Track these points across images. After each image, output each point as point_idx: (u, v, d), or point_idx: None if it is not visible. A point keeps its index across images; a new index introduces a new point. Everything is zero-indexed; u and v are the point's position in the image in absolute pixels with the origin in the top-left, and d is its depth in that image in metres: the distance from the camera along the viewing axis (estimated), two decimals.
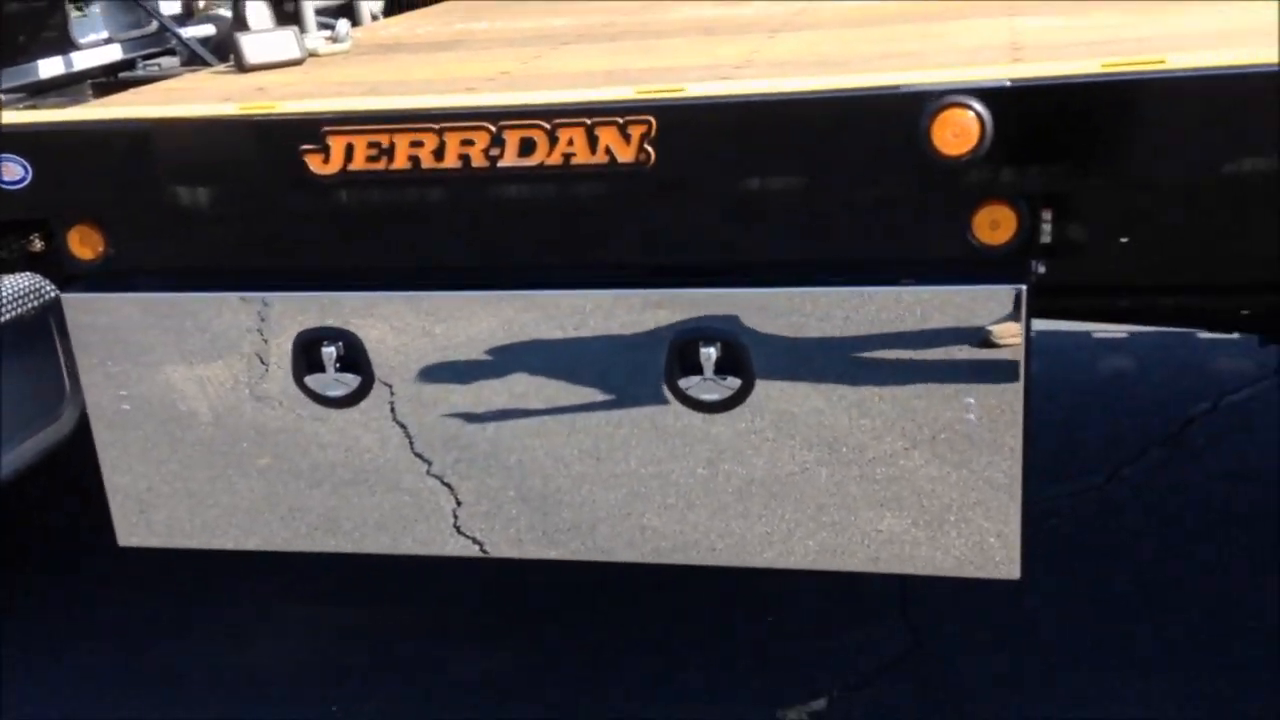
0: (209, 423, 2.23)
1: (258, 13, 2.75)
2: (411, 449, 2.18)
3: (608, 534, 2.19)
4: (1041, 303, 2.60)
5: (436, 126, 1.86)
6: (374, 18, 3.28)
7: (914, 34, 2.41)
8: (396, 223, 1.98)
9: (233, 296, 2.13)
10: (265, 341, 2.11)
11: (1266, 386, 3.86)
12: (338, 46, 2.64)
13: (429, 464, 2.20)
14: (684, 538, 2.18)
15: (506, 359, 2.08)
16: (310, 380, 2.14)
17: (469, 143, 1.85)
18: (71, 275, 2.25)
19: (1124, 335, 4.29)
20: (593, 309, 2.03)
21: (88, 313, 2.23)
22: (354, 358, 2.12)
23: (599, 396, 2.04)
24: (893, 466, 2.04)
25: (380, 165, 1.88)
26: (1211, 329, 2.90)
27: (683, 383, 2.08)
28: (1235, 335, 3.19)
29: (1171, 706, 2.55)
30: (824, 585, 2.94)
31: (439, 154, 1.86)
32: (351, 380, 2.13)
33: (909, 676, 2.72)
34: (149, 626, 3.08)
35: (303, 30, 2.83)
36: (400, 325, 2.05)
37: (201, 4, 3.06)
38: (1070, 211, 2.40)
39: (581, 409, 2.06)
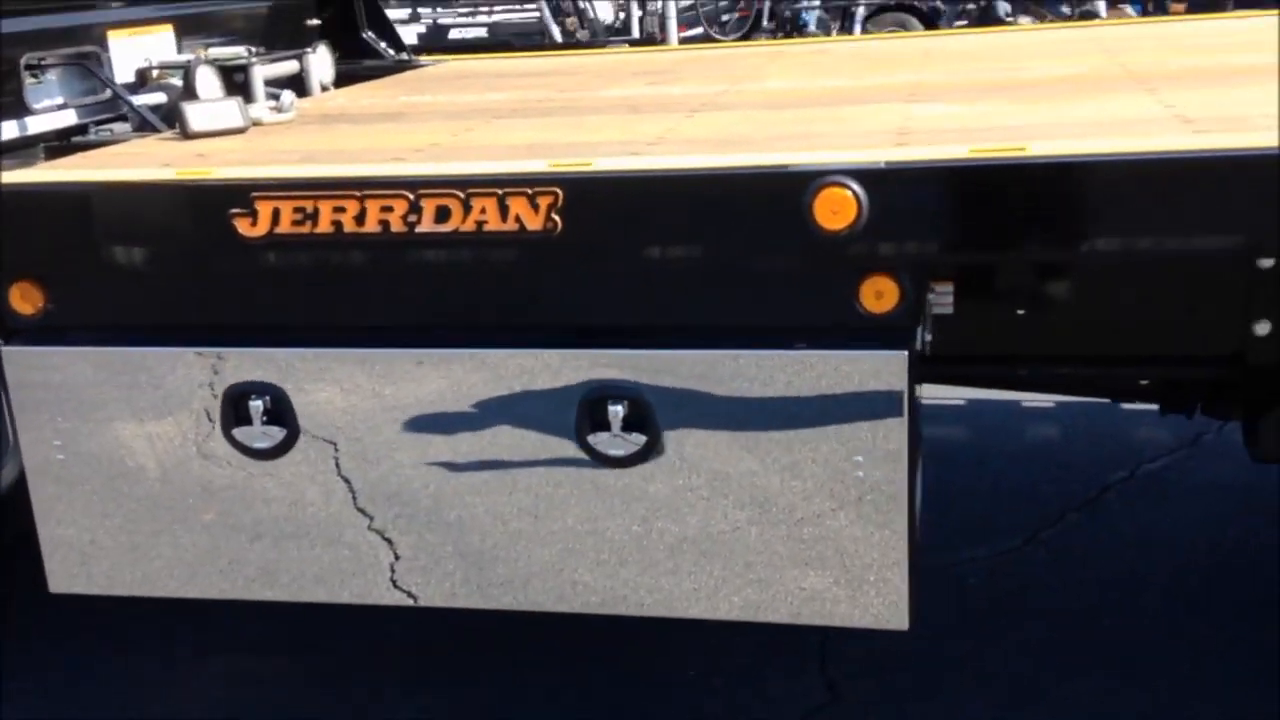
0: (147, 474, 2.32)
1: (207, 82, 2.89)
2: (330, 502, 2.28)
3: (539, 586, 2.29)
4: (945, 369, 2.78)
5: (358, 193, 1.99)
6: (324, 89, 3.43)
7: (821, 117, 2.58)
8: (321, 283, 2.10)
9: (166, 351, 2.24)
10: (195, 395, 2.21)
11: (1182, 456, 4.01)
12: (282, 116, 2.78)
13: (355, 516, 2.30)
14: (612, 591, 2.28)
15: (425, 415, 2.19)
16: (237, 432, 2.25)
17: (388, 209, 1.98)
18: (12, 330, 2.35)
19: (1051, 405, 4.45)
20: (507, 368, 2.15)
21: (26, 366, 2.33)
22: (280, 411, 2.23)
23: (501, 449, 2.16)
24: (788, 519, 2.16)
25: (305, 229, 2.00)
26: (1114, 398, 3.05)
27: (591, 438, 2.20)
28: (1155, 406, 3.36)
29: None
30: (750, 640, 3.05)
31: (360, 219, 1.99)
32: (277, 433, 2.23)
33: None
34: (55, 673, 3.13)
35: (251, 100, 2.98)
36: (324, 380, 2.16)
37: (155, 73, 3.20)
38: (968, 284, 2.58)
39: (486, 462, 2.17)
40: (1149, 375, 2.75)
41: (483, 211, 1.96)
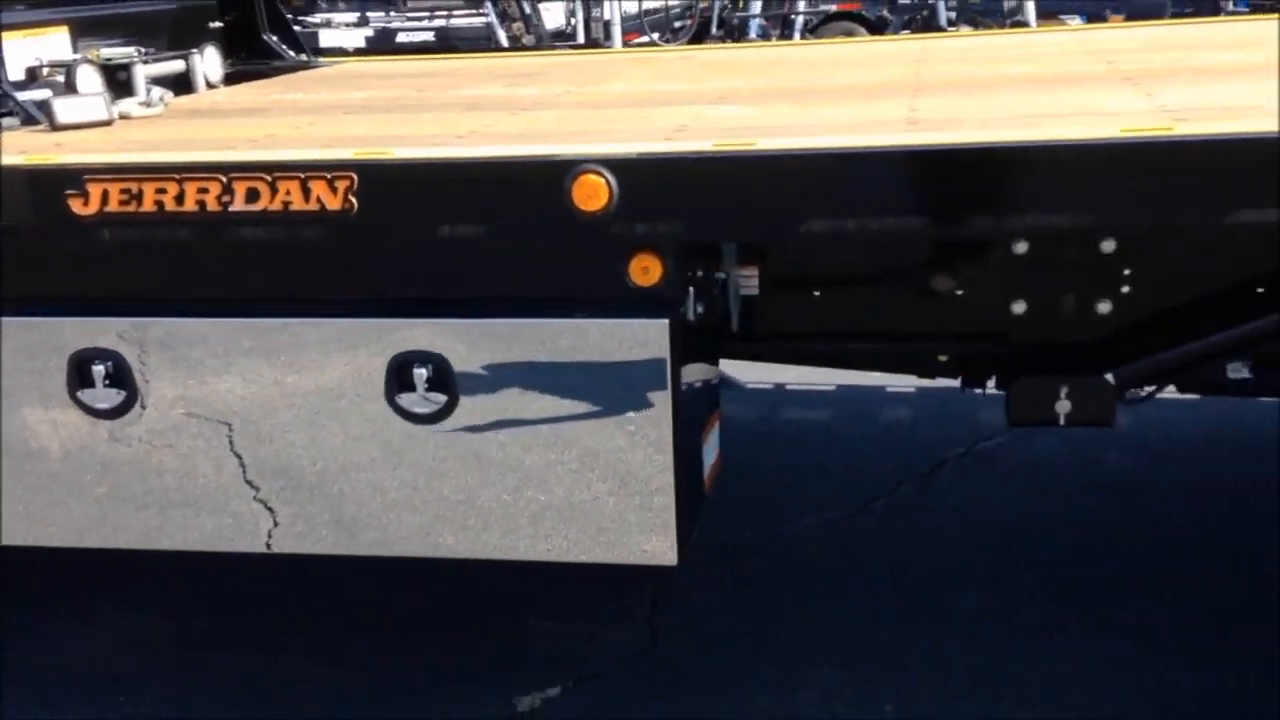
0: (23, 439, 2.56)
1: (87, 79, 3.15)
2: (172, 454, 2.54)
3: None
4: (754, 347, 3.07)
5: (178, 176, 2.26)
6: (210, 87, 3.69)
7: (626, 116, 2.89)
8: (150, 257, 2.37)
9: (14, 320, 2.49)
10: (40, 360, 2.47)
11: (1017, 435, 4.31)
12: (150, 110, 3.05)
13: (188, 464, 2.56)
14: (426, 537, 2.54)
15: (248, 377, 2.46)
16: (82, 394, 2.51)
17: (204, 190, 2.25)
18: None
19: (911, 390, 4.75)
20: (319, 336, 2.43)
21: None
22: (120, 375, 2.49)
23: (314, 408, 2.43)
24: (570, 469, 2.44)
25: (132, 208, 2.27)
26: (921, 375, 3.32)
27: (400, 398, 2.48)
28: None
29: (889, 697, 2.93)
30: (581, 593, 3.34)
31: (180, 199, 2.26)
32: (117, 395, 2.49)
33: (642, 670, 3.09)
34: None
35: (133, 95, 3.24)
36: (154, 345, 2.42)
37: (45, 71, 3.45)
38: (770, 268, 2.87)
39: (303, 418, 2.44)
40: (929, 351, 3.03)
41: (288, 193, 2.23)
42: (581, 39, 11.37)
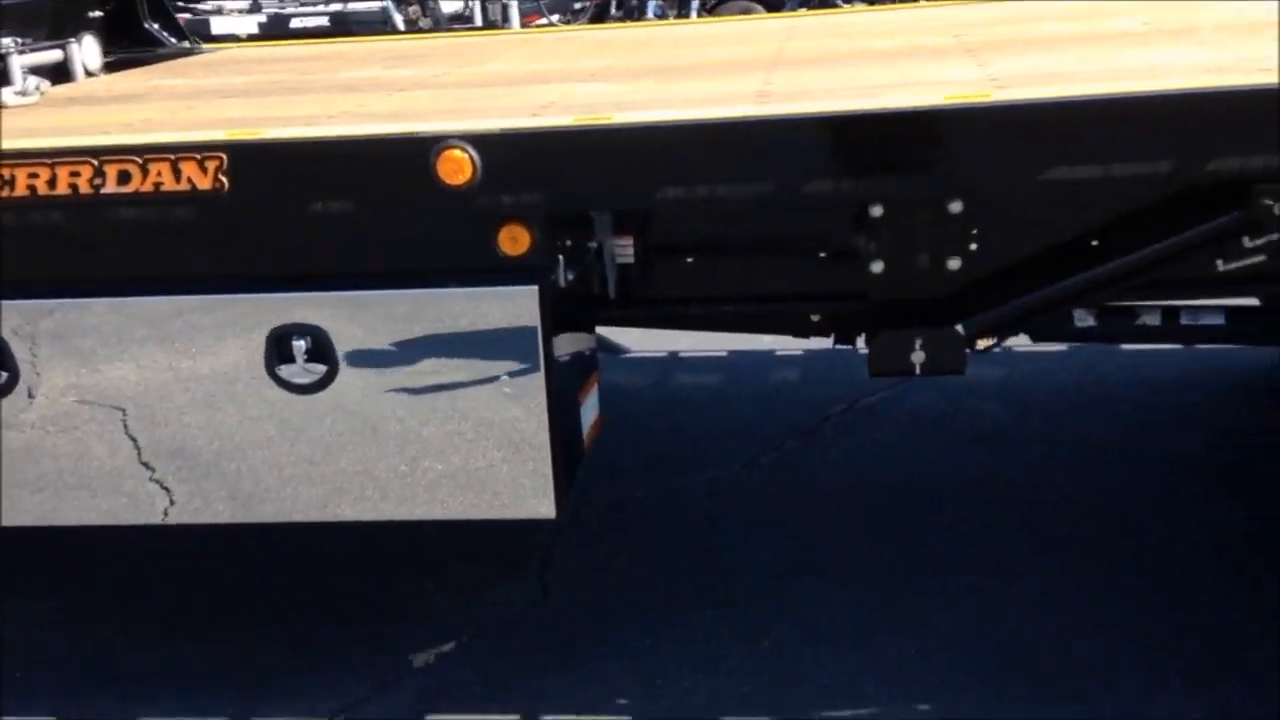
0: None
1: None
2: (56, 429, 2.60)
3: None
4: (631, 313, 3.20)
5: (49, 161, 2.31)
6: (90, 74, 3.70)
7: (499, 94, 3.00)
8: (26, 241, 2.41)
9: None
10: None
11: (897, 391, 4.54)
12: (25, 99, 3.07)
13: (69, 442, 2.62)
14: (314, 501, 2.63)
15: (130, 353, 2.52)
16: None
17: (76, 174, 2.31)
18: None
19: (799, 352, 4.94)
20: (200, 313, 2.50)
21: None
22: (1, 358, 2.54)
23: (200, 381, 2.50)
24: (448, 432, 2.55)
25: (3, 193, 2.32)
26: (794, 334, 3.49)
27: (280, 370, 2.56)
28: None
29: (765, 636, 3.09)
30: (474, 554, 3.47)
31: (52, 183, 2.31)
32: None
33: (533, 623, 3.23)
34: None
35: (8, 84, 3.25)
36: (33, 326, 2.47)
37: None
38: (643, 236, 3.00)
39: (190, 391, 2.52)
40: (799, 312, 3.19)
41: (159, 175, 2.30)
42: (479, 22, 11.38)
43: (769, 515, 3.70)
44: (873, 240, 2.97)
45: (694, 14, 12.31)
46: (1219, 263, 2.79)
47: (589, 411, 2.87)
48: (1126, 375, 4.52)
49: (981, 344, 3.05)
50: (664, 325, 3.36)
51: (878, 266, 3.00)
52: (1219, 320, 3.26)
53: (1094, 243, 3.01)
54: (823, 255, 3.11)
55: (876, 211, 2.92)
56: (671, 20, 11.23)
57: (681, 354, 4.99)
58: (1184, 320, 3.28)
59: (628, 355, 4.92)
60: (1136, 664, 2.87)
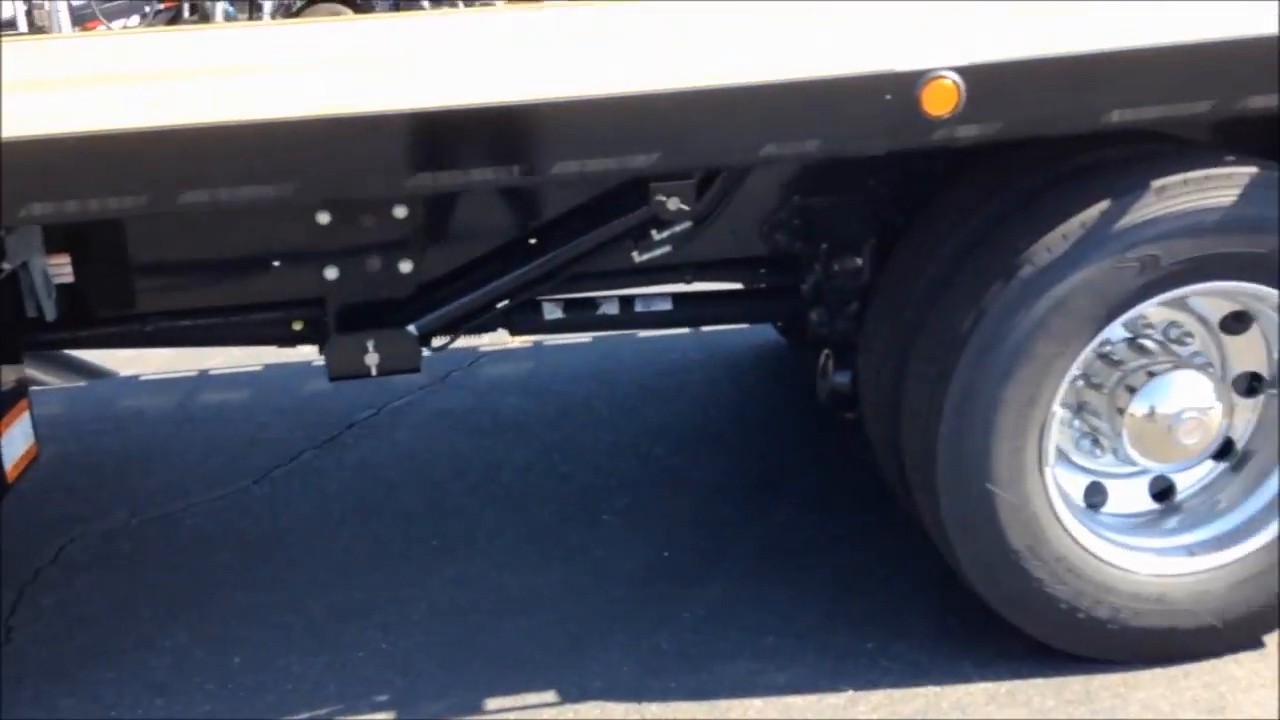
0: None
1: None
2: None
3: None
4: (70, 336, 3.08)
5: None
6: None
7: None
8: None
9: None
10: None
11: (428, 391, 4.66)
12: None
13: None
14: None
15: None
16: None
17: None
18: None
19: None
20: None
21: None
22: None
23: None
24: None
25: None
26: (278, 344, 3.49)
27: None
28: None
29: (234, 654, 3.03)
30: None
31: None
32: None
33: None
34: None
35: None
36: None
37: None
38: (81, 254, 2.90)
39: None
40: (259, 322, 3.20)
41: None
42: (24, 27, 10.44)
43: (269, 529, 3.65)
44: (323, 247, 3.05)
45: (266, 16, 11.97)
46: (635, 255, 3.12)
47: (14, 442, 2.73)
48: (640, 360, 4.91)
49: (437, 342, 3.21)
50: (125, 344, 3.25)
51: (332, 272, 3.09)
52: (667, 306, 3.63)
53: (532, 241, 3.27)
54: (277, 264, 3.16)
55: (324, 219, 3.01)
56: (244, 22, 10.83)
57: (213, 371, 4.86)
58: (639, 308, 3.63)
59: (146, 377, 4.72)
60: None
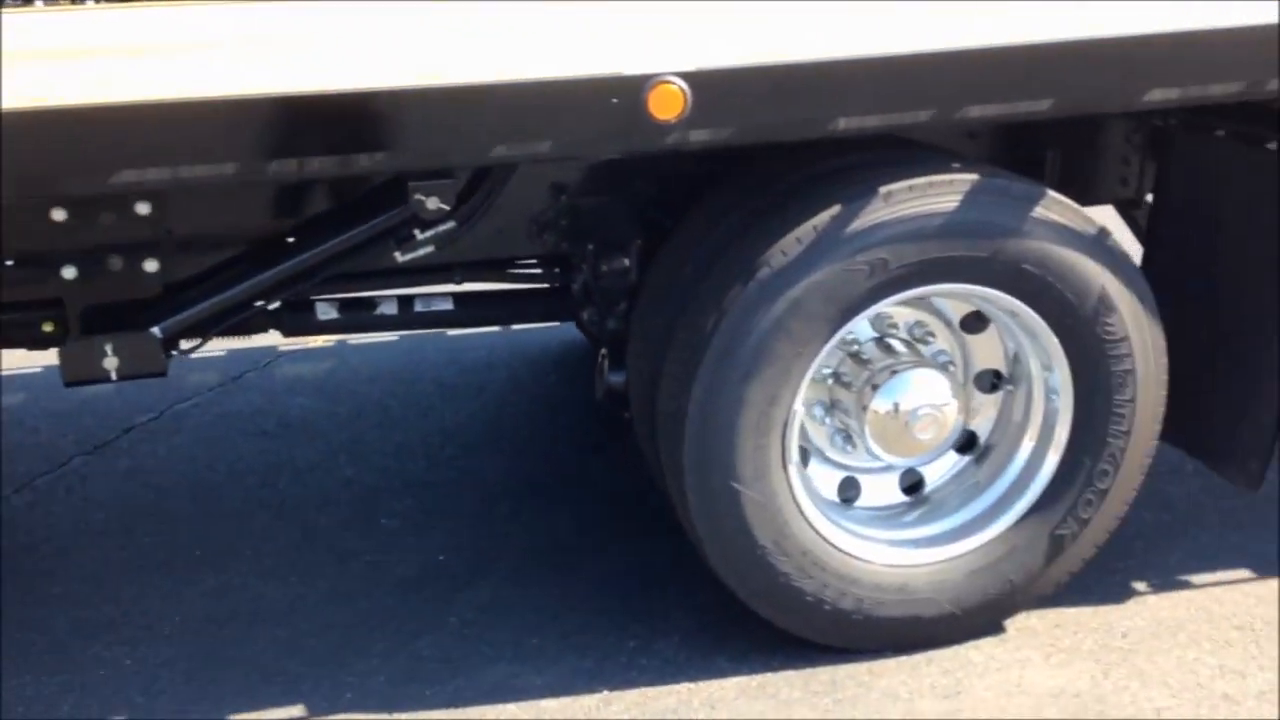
0: None
1: None
2: None
3: None
4: None
5: None
6: None
7: None
8: None
9: None
10: None
11: (219, 393, 4.51)
12: None
13: None
14: None
15: None
16: None
17: None
18: None
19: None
20: None
21: None
22: None
23: None
24: None
25: None
26: (28, 347, 3.30)
27: None
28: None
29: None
30: None
31: None
32: None
33: None
34: None
35: None
36: None
37: None
38: None
39: None
40: (8, 323, 3.00)
41: None
42: None
43: (24, 540, 3.45)
44: (60, 246, 2.90)
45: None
46: (398, 255, 3.06)
47: None
48: (445, 358, 4.84)
49: (185, 344, 3.09)
50: None
51: (69, 272, 2.94)
52: (448, 306, 3.58)
53: (290, 240, 3.18)
54: (10, 263, 3.00)
55: (59, 215, 2.86)
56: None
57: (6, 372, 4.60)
58: (418, 308, 3.57)
59: None
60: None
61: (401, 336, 4.99)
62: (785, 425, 2.70)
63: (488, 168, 2.86)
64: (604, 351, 3.29)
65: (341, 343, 4.99)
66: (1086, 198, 3.27)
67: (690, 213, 3.05)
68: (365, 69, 2.69)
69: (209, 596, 3.18)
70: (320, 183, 3.07)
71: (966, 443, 3.02)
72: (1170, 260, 3.03)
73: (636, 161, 3.09)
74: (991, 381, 3.01)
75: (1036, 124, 2.99)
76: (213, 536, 3.48)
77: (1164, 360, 2.76)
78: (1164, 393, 2.78)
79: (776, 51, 2.46)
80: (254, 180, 2.42)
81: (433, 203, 2.86)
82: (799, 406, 2.72)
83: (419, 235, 2.98)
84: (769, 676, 2.84)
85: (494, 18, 3.37)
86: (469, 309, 3.58)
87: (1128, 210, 3.56)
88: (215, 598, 3.18)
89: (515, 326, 5.00)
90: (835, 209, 2.56)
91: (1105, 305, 2.65)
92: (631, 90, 2.30)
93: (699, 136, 2.40)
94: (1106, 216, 3.23)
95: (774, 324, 2.59)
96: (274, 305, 3.38)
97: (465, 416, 4.27)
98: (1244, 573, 3.14)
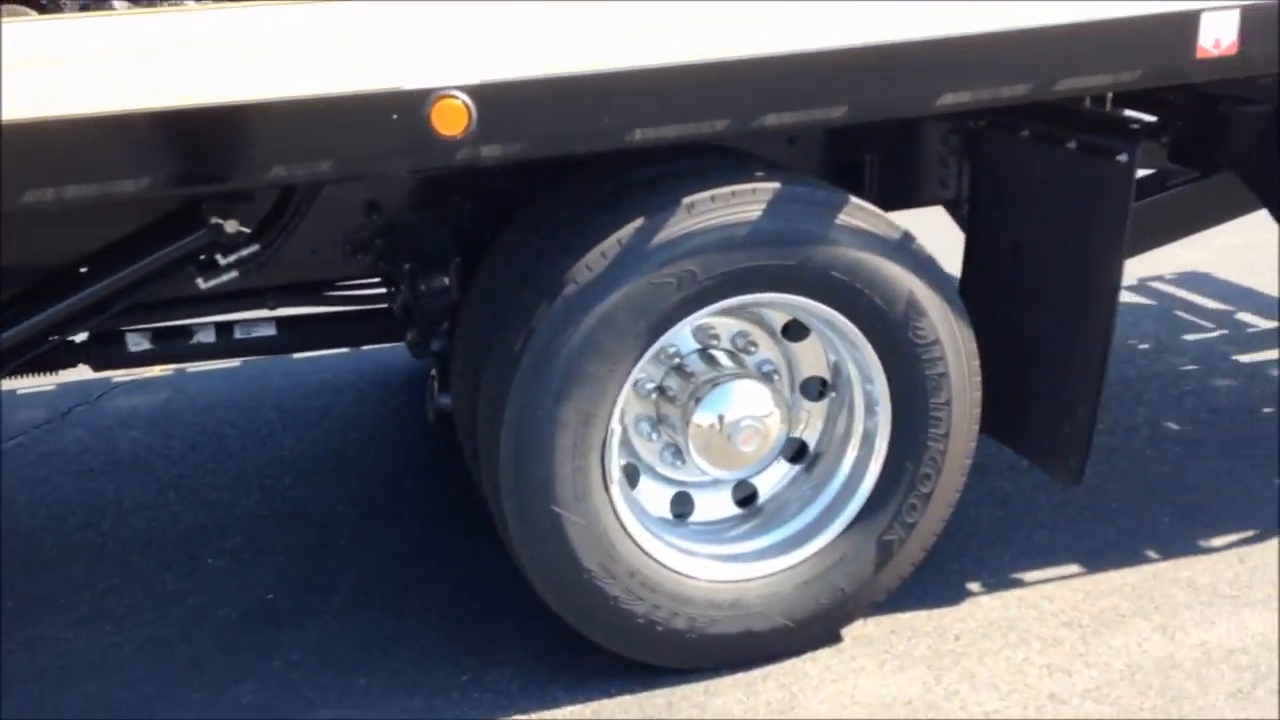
0: None
1: None
2: None
3: None
4: None
5: None
6: None
7: None
8: None
9: None
10: None
11: (45, 430, 4.28)
12: None
13: None
14: None
15: None
16: None
17: None
18: None
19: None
20: None
21: None
22: None
23: None
24: None
25: None
26: None
27: None
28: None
29: None
30: None
31: None
32: None
33: None
34: None
35: None
36: None
37: None
38: None
39: None
40: None
41: None
42: None
43: None
44: None
45: None
46: (200, 281, 2.91)
47: None
48: (289, 382, 4.67)
49: None
50: None
51: None
52: (271, 331, 3.44)
53: (83, 270, 3.01)
54: None
55: None
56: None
57: None
58: (238, 335, 3.42)
59: None
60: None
61: (244, 362, 4.80)
62: (604, 445, 2.62)
63: (292, 186, 2.75)
64: (433, 373, 3.19)
65: (180, 371, 4.78)
66: (908, 201, 3.29)
67: (506, 228, 2.96)
68: (128, 88, 2.54)
69: (16, 653, 2.98)
70: (115, 207, 2.91)
71: (798, 452, 3.00)
72: (987, 259, 3.04)
73: (451, 176, 3.00)
74: (818, 389, 2.98)
75: (853, 129, 3.00)
76: (23, 588, 3.28)
77: (976, 361, 2.76)
78: (979, 394, 2.79)
79: (565, 62, 2.39)
80: (11, 211, 2.26)
81: (231, 225, 2.73)
82: (617, 425, 2.65)
83: (221, 260, 2.85)
84: (604, 703, 2.76)
85: (264, 28, 3.23)
86: (292, 334, 3.44)
87: (955, 211, 3.58)
88: (23, 654, 2.98)
89: (365, 347, 4.87)
90: (639, 221, 2.49)
91: (914, 309, 2.64)
92: (412, 106, 2.20)
93: (491, 152, 2.31)
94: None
95: (583, 341, 2.52)
96: (79, 338, 3.25)
97: (307, 443, 4.12)
98: (1074, 568, 3.17)
